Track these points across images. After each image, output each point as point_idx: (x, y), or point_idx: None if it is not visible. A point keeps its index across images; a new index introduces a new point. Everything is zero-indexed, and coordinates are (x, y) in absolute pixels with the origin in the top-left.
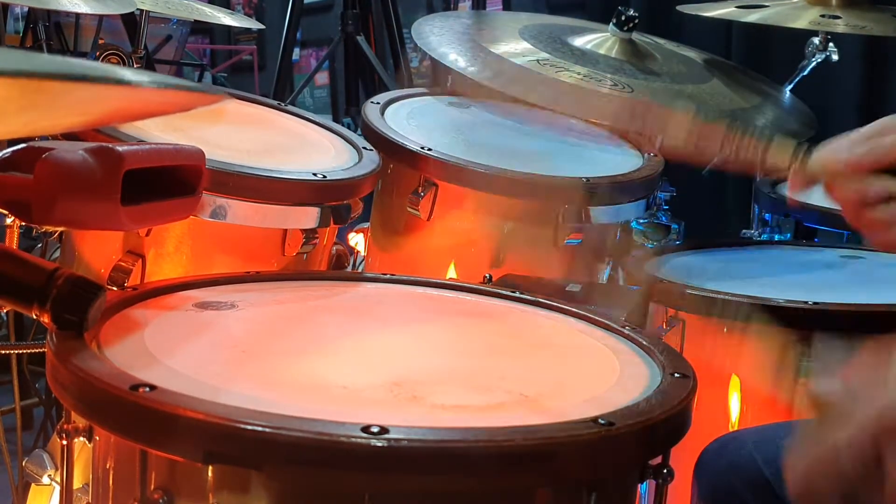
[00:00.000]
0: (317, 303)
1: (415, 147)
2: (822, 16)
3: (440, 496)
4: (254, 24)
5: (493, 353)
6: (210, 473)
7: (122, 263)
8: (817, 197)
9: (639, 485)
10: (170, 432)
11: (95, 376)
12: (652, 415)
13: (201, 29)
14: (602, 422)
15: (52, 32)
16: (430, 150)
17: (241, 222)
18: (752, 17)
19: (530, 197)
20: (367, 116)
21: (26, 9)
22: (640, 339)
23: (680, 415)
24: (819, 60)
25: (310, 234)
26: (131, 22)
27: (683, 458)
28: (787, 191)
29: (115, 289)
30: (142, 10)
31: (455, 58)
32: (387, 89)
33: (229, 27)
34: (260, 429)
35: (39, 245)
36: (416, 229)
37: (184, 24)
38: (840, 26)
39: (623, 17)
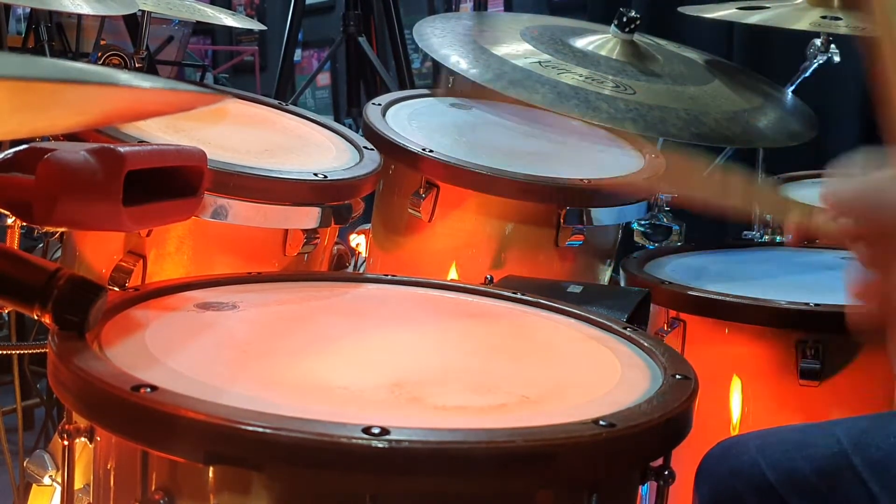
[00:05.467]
0: (318, 303)
1: (416, 149)
2: (824, 17)
3: (441, 497)
4: (255, 25)
5: (495, 355)
6: (211, 474)
7: (124, 264)
8: (819, 198)
9: (640, 486)
10: (171, 433)
11: (97, 377)
12: (653, 416)
13: (203, 30)
14: (603, 423)
15: (54, 33)
16: (431, 151)
17: (242, 222)
18: (754, 18)
19: (531, 199)
20: (369, 118)
21: (28, 10)
22: (641, 341)
23: (681, 416)
24: (821, 62)
25: (311, 235)
26: (133, 23)
27: (685, 459)
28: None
29: (116, 289)
30: (144, 11)
31: (457, 59)
32: (388, 90)
33: (231, 28)
34: (261, 429)
35: (41, 245)
36: (417, 230)
37: (185, 25)
38: (841, 28)
39: (625, 19)
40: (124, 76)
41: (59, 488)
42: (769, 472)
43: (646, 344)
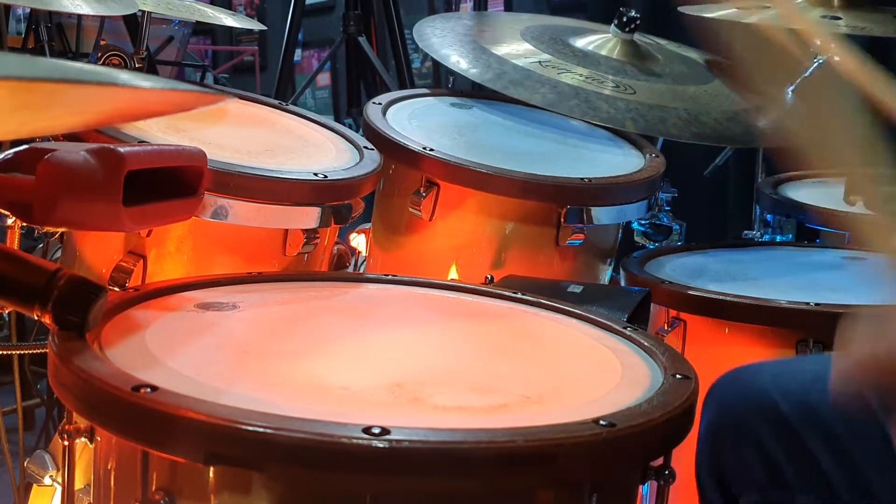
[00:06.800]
0: (318, 303)
1: (416, 147)
2: (823, 17)
3: (441, 497)
4: (255, 25)
5: (495, 355)
6: (211, 474)
7: (124, 264)
8: (819, 198)
9: (640, 486)
10: (171, 433)
11: (97, 377)
12: (653, 416)
13: (203, 30)
14: (603, 423)
15: (54, 34)
16: (431, 150)
17: (242, 223)
18: (754, 18)
19: (532, 197)
20: (369, 117)
21: (28, 10)
22: (642, 341)
23: (681, 416)
24: (821, 62)
25: (311, 235)
26: (133, 23)
27: (685, 459)
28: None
29: (116, 289)
30: (144, 12)
31: (457, 59)
32: (388, 90)
33: (231, 28)
34: (261, 430)
35: (41, 246)
36: (417, 230)
37: (186, 26)
38: (841, 27)
39: (625, 18)
40: (124, 76)
41: (59, 488)
42: (782, 402)
43: (646, 344)
